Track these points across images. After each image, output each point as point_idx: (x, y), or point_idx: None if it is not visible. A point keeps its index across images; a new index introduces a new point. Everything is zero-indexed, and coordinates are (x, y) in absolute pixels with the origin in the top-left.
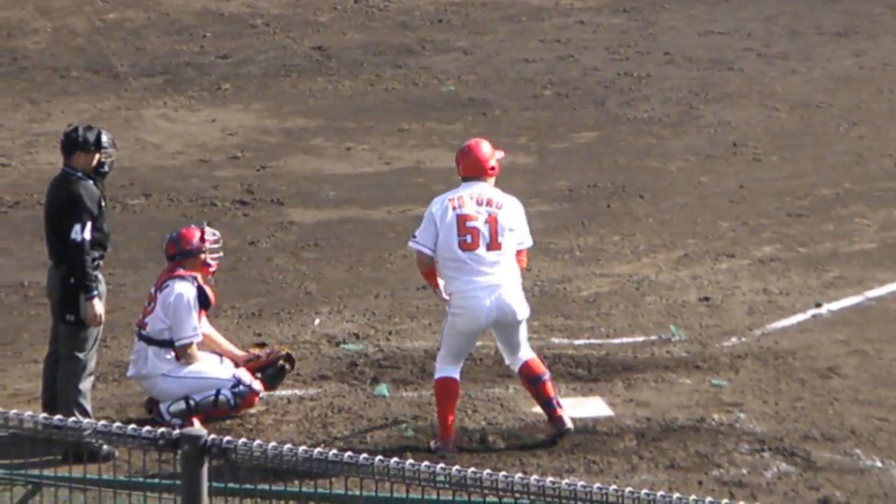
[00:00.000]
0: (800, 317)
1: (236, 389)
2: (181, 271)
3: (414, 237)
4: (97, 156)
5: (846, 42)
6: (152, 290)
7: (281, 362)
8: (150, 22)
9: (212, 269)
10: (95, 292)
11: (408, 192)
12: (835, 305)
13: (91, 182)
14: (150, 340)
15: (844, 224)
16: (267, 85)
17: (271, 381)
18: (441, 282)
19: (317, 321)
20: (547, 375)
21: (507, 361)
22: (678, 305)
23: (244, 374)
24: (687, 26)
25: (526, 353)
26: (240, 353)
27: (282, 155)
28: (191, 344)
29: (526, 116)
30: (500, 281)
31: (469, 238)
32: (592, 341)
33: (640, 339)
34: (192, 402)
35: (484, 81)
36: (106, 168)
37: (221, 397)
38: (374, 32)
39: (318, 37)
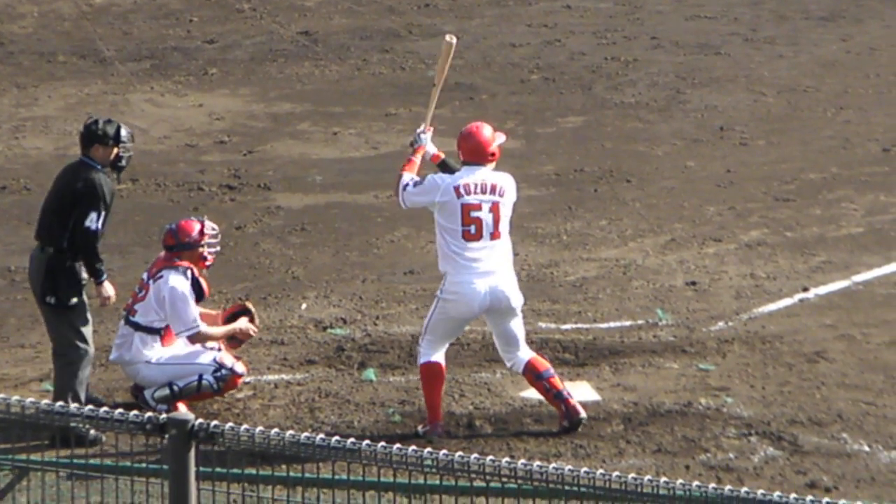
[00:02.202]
0: (787, 301)
1: (218, 374)
2: (176, 262)
3: (405, 189)
4: (115, 150)
5: (833, 26)
6: (144, 276)
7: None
8: (137, 6)
9: (208, 263)
10: (105, 276)
11: (395, 176)
12: (822, 290)
13: (106, 176)
14: (137, 327)
15: (831, 208)
16: (254, 70)
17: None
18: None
19: (304, 306)
20: (552, 370)
21: (507, 363)
22: (665, 290)
23: (226, 358)
24: (674, 11)
25: (526, 352)
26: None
27: (269, 140)
28: (197, 333)
29: (513, 101)
30: (495, 268)
31: (473, 228)
32: (579, 326)
33: (628, 323)
34: (175, 388)
35: (471, 66)
36: (123, 162)
37: (204, 382)
38: (360, 17)
39: (304, 21)
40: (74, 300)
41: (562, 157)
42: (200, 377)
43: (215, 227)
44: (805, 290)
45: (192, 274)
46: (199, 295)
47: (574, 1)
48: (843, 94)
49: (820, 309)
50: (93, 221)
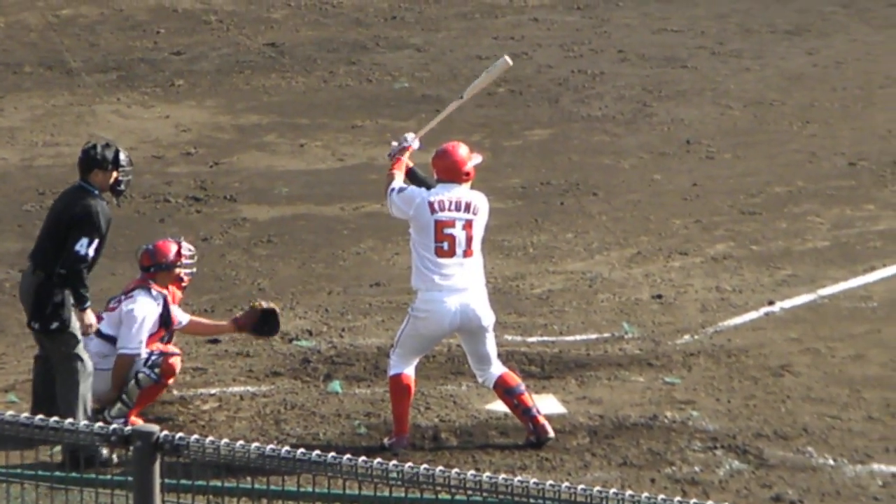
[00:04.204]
0: (752, 315)
1: (150, 361)
2: (152, 284)
3: (391, 193)
4: (114, 174)
5: (799, 40)
6: (122, 297)
7: (271, 305)
8: (104, 18)
9: (184, 284)
10: (89, 303)
11: (361, 188)
12: (787, 303)
13: (104, 202)
14: (98, 333)
15: (797, 222)
16: (220, 81)
17: (273, 328)
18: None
19: None
20: (523, 386)
21: (479, 378)
22: (631, 303)
23: (153, 348)
24: (640, 24)
25: (497, 367)
26: (223, 322)
27: (235, 151)
28: (133, 357)
29: (480, 114)
30: (467, 285)
31: (446, 245)
32: (545, 339)
33: (593, 336)
34: (123, 397)
35: (437, 78)
36: (122, 187)
37: (141, 376)
38: (327, 29)
39: (271, 33)
40: (56, 325)
41: (528, 169)
42: (136, 374)
43: (192, 248)
44: (771, 303)
45: (165, 302)
46: (167, 323)
47: (541, 14)
48: (810, 108)
49: (785, 322)
50: (83, 247)
